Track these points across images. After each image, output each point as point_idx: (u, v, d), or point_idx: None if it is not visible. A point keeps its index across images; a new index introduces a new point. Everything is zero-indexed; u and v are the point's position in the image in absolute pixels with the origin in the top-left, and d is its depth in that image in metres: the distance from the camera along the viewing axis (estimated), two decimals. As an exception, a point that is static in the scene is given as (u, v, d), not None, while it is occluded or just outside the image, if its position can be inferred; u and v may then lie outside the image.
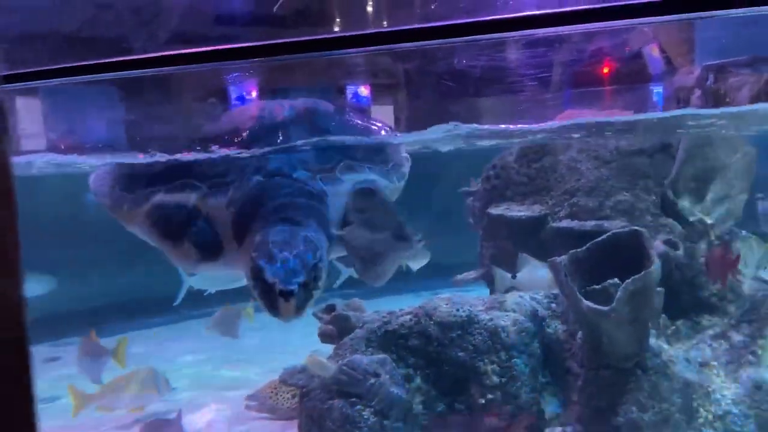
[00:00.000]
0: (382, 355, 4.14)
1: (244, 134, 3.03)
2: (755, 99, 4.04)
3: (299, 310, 2.54)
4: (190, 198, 2.86)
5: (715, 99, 4.13)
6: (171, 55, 2.45)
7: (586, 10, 1.75)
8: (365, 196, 3.06)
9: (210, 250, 2.81)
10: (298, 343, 6.17)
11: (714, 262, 4.30)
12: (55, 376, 6.72)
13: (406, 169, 3.31)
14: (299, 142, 3.05)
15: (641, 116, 4.22)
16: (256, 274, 2.54)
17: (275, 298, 2.49)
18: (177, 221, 2.83)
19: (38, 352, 8.04)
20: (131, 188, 3.04)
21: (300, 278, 2.52)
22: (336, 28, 2.95)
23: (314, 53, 2.10)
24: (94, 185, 3.23)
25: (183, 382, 6.84)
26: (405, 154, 3.49)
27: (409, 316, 4.35)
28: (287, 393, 5.12)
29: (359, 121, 3.36)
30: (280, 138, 3.05)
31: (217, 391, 6.46)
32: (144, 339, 8.81)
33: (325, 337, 4.53)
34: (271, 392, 5.23)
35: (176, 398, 6.36)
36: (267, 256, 2.55)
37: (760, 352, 4.23)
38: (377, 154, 3.19)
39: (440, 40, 1.95)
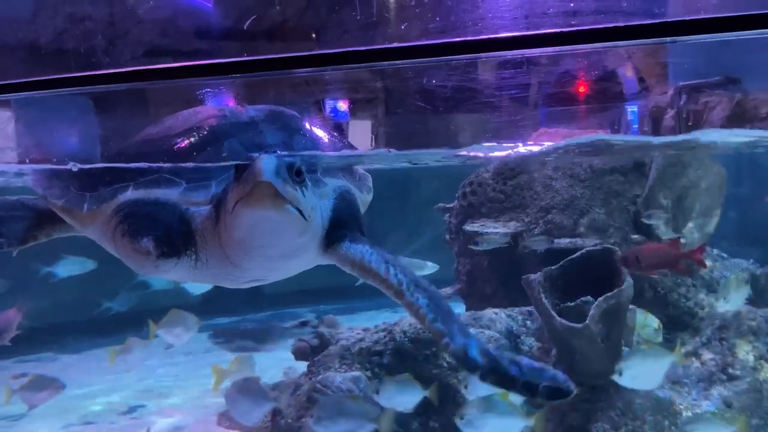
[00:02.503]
0: (356, 373, 4.11)
1: (205, 132, 2.75)
2: (727, 119, 4.11)
3: (282, 181, 2.10)
4: (169, 193, 2.60)
5: (688, 119, 4.19)
6: (144, 69, 2.43)
7: (557, 33, 1.77)
8: (348, 203, 2.87)
9: (176, 247, 2.54)
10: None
11: (645, 256, 4.17)
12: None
13: (371, 183, 3.21)
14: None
15: (615, 137, 4.27)
16: (235, 168, 2.21)
17: (253, 162, 2.09)
18: (153, 217, 2.57)
19: (5, 367, 7.91)
20: (91, 187, 2.73)
21: (287, 158, 2.17)
22: (312, 44, 2.96)
23: (287, 71, 2.10)
24: (41, 187, 2.92)
25: (151, 398, 6.75)
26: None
27: (383, 333, 4.33)
28: (260, 410, 5.06)
29: (322, 131, 3.22)
30: (252, 135, 2.76)
31: (190, 407, 6.38)
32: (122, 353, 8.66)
33: (299, 353, 4.50)
34: (244, 410, 5.16)
35: (145, 415, 6.28)
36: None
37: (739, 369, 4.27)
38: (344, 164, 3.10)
39: (414, 60, 1.96)
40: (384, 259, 2.62)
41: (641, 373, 3.59)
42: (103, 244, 2.82)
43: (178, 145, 2.72)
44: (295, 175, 2.20)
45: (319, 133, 3.04)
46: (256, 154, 2.17)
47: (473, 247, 5.29)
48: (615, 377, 3.60)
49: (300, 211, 2.23)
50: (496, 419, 3.48)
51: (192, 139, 2.72)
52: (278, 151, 2.47)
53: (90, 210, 2.66)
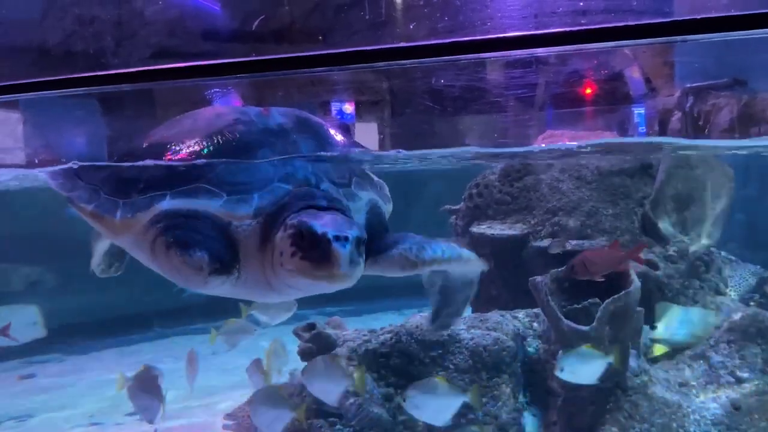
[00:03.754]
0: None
1: (234, 138, 2.61)
2: (734, 120, 4.09)
3: (353, 265, 2.21)
4: (208, 205, 2.48)
5: (695, 121, 4.18)
6: (152, 70, 2.44)
7: (566, 32, 1.77)
8: (378, 215, 2.84)
9: (227, 263, 2.43)
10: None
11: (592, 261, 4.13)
12: (30, 392, 6.60)
13: (388, 191, 3.15)
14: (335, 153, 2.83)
15: (622, 140, 4.26)
16: (300, 233, 2.23)
17: (328, 248, 2.15)
18: (198, 231, 2.45)
19: (13, 368, 7.93)
20: (123, 192, 2.58)
21: (354, 230, 2.23)
22: (320, 44, 2.96)
23: (294, 71, 2.10)
24: (65, 189, 2.78)
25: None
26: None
27: (390, 335, 4.32)
28: (266, 412, 5.05)
29: (346, 138, 3.15)
30: (285, 145, 2.65)
31: (192, 409, 6.38)
32: (125, 355, 8.70)
33: (305, 355, 4.49)
34: (249, 411, 5.16)
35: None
36: (311, 216, 2.27)
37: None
38: (366, 173, 3.03)
39: (422, 60, 1.96)
40: (420, 246, 2.65)
41: (579, 369, 3.80)
42: (136, 253, 2.70)
43: (207, 151, 2.60)
44: (359, 246, 2.27)
45: (345, 140, 2.99)
46: (330, 232, 2.19)
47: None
48: (557, 372, 3.80)
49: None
50: (437, 399, 3.70)
51: (222, 145, 2.61)
52: (345, 217, 2.40)
53: (124, 218, 2.52)
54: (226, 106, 2.94)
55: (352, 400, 3.92)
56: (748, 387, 4.17)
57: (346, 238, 2.19)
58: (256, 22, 2.72)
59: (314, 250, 2.20)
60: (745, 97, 4.00)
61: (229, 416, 5.32)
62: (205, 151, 2.59)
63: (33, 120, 3.47)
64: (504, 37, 1.71)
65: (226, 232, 2.46)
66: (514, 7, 1.92)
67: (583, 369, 3.78)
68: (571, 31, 1.65)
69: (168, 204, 2.47)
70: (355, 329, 4.64)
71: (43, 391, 7.12)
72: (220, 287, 2.47)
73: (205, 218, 2.47)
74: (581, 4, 1.97)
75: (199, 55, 3.19)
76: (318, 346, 4.41)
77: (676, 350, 4.50)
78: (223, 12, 3.11)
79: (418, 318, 4.45)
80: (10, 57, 3.16)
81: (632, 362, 4.15)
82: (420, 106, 3.31)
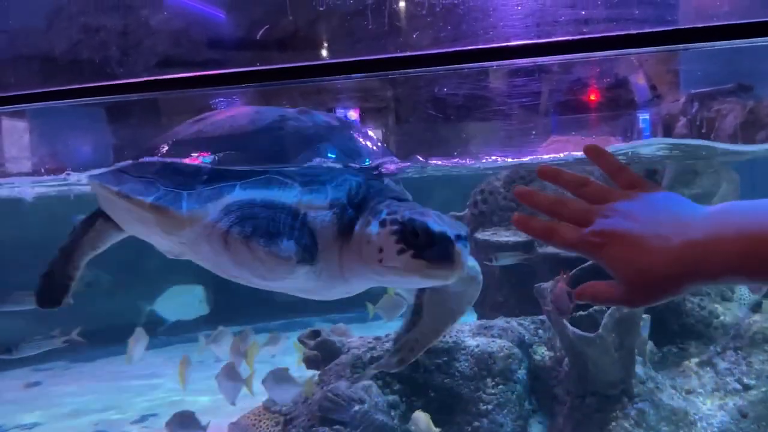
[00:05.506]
0: (367, 382, 4.10)
1: (289, 134, 2.53)
2: (740, 127, 4.08)
3: (467, 264, 2.16)
4: (283, 195, 2.41)
5: (700, 127, 4.17)
6: (158, 79, 2.45)
7: (569, 41, 1.77)
8: None
9: (311, 252, 2.33)
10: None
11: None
12: (36, 400, 6.62)
13: None
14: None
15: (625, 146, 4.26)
16: (412, 231, 2.13)
17: (449, 248, 2.08)
18: (277, 221, 2.34)
19: (20, 376, 7.96)
20: (184, 184, 2.44)
21: (464, 228, 2.16)
22: (324, 53, 2.97)
23: (299, 80, 2.11)
24: (112, 184, 2.61)
25: (163, 409, 6.75)
26: None
27: (395, 342, 4.32)
28: (270, 420, 5.05)
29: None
30: (342, 140, 2.58)
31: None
32: (135, 361, 8.70)
33: (310, 362, 4.49)
34: (254, 420, 5.16)
35: (157, 425, 6.28)
36: (417, 213, 2.18)
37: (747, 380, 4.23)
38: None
39: (425, 69, 1.96)
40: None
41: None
42: (196, 249, 2.54)
43: (263, 146, 2.53)
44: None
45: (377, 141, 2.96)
46: (449, 231, 2.12)
47: (487, 263, 5.24)
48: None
49: None
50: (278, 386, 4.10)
51: (279, 140, 2.54)
52: (442, 213, 2.28)
53: (191, 210, 2.38)
54: (265, 107, 2.86)
55: (357, 408, 3.91)
56: (755, 394, 4.15)
57: (465, 237, 2.14)
58: (260, 32, 2.73)
59: (431, 249, 2.13)
60: (750, 102, 4.00)
61: (233, 425, 5.31)
62: (266, 144, 2.54)
63: (39, 129, 3.49)
64: (506, 46, 1.72)
65: (303, 222, 2.36)
66: (516, 17, 1.92)
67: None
68: (573, 39, 1.65)
69: (239, 194, 2.38)
70: (360, 336, 4.65)
71: (48, 399, 7.14)
72: (299, 280, 2.39)
73: (282, 209, 2.37)
74: (583, 13, 1.98)
75: (204, 64, 3.20)
76: (323, 354, 4.41)
77: (683, 357, 4.48)
78: (227, 21, 3.12)
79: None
80: (15, 66, 3.18)
81: (638, 369, 4.13)
82: (423, 114, 3.31)
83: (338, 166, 2.59)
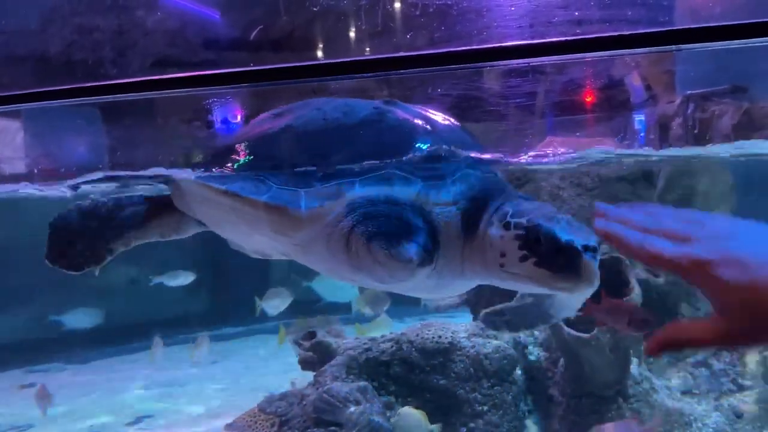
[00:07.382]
0: (362, 383, 4.10)
1: (394, 127, 2.40)
2: (735, 128, 4.09)
3: (597, 276, 2.01)
4: (406, 191, 2.26)
5: (696, 127, 4.18)
6: (153, 80, 2.45)
7: (563, 42, 1.77)
8: None
9: (432, 252, 2.18)
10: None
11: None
12: (31, 402, 6.59)
13: None
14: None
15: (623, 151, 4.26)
16: (536, 238, 1.99)
17: (578, 260, 1.94)
18: (401, 219, 2.21)
19: (12, 378, 7.93)
20: (298, 182, 2.30)
21: (594, 237, 1.99)
22: (318, 53, 2.97)
23: (294, 81, 2.11)
24: (215, 182, 2.46)
25: (158, 406, 6.75)
26: None
27: (390, 343, 4.32)
28: (266, 422, 5.04)
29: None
30: (448, 133, 2.44)
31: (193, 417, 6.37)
32: (125, 363, 8.69)
33: (305, 364, 4.48)
34: (250, 421, 5.14)
35: (153, 426, 6.28)
36: (543, 217, 2.02)
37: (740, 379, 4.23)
38: None
39: (419, 69, 1.96)
40: None
41: None
42: (309, 250, 2.39)
43: (370, 140, 2.40)
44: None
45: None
46: (578, 241, 1.97)
47: None
48: None
49: None
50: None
51: (385, 132, 2.41)
52: (572, 219, 2.14)
53: (310, 208, 2.23)
54: (355, 100, 2.68)
55: (352, 409, 3.91)
56: (750, 395, 4.16)
57: (595, 249, 1.99)
58: (255, 32, 2.73)
59: (555, 259, 1.98)
60: (745, 103, 4.00)
61: (229, 426, 5.30)
62: (378, 139, 2.41)
63: (33, 129, 3.48)
64: (501, 46, 1.72)
65: (428, 220, 2.23)
66: (510, 18, 1.93)
67: None
68: (567, 40, 1.65)
69: (360, 191, 2.23)
70: (356, 337, 4.64)
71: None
72: (421, 281, 2.26)
73: (405, 206, 2.24)
74: (576, 14, 1.98)
75: (199, 65, 3.20)
76: (318, 355, 4.40)
77: (678, 358, 4.49)
78: (222, 21, 3.12)
79: (419, 326, 4.44)
80: (10, 66, 3.17)
81: (634, 370, 4.14)
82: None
83: (455, 157, 2.43)
